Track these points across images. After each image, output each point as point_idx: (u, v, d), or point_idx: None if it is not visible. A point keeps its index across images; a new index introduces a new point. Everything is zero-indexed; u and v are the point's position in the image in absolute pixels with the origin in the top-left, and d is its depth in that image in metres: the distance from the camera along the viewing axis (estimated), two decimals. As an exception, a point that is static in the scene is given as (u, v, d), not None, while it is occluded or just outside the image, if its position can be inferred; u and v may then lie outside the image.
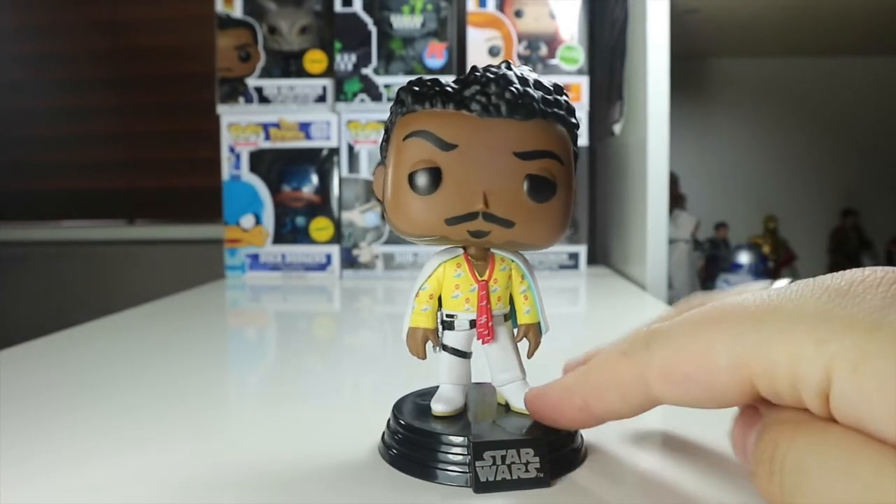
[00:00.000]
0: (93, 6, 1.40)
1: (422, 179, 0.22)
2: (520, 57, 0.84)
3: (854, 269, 0.18)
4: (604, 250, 1.03)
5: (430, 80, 0.23)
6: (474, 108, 0.23)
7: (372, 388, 0.39)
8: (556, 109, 0.23)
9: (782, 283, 0.23)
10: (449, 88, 0.23)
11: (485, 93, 0.22)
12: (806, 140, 1.14)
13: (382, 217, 0.84)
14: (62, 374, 0.40)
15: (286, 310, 0.70)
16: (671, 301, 0.76)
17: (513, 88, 0.22)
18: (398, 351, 0.50)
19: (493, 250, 0.25)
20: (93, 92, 1.42)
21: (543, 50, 0.85)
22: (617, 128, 0.86)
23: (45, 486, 0.23)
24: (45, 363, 0.43)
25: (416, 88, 0.23)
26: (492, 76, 0.23)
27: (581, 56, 0.85)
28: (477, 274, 0.24)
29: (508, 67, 0.23)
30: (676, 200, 1.02)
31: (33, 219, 1.46)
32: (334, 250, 0.86)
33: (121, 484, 0.23)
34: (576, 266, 0.87)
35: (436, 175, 0.22)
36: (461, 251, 0.25)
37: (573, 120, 0.24)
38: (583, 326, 0.60)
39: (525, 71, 0.24)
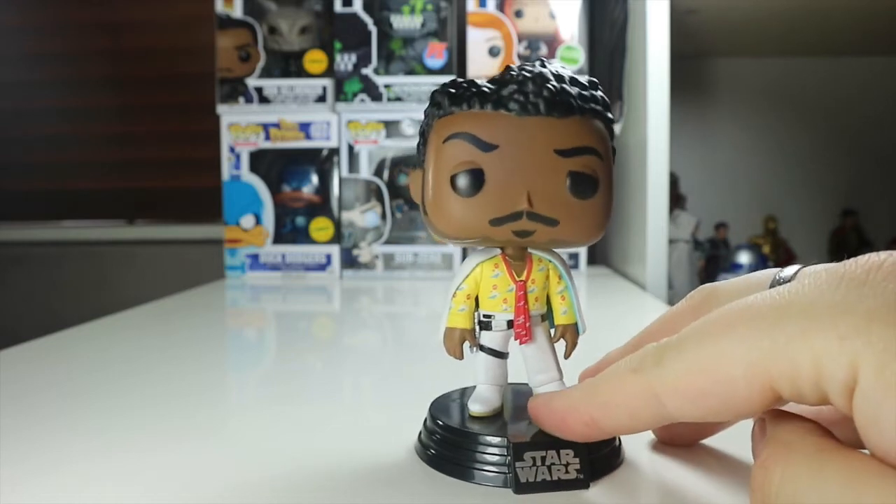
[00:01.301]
0: (93, 6, 1.40)
1: (464, 181, 0.22)
2: (520, 57, 0.84)
3: (868, 255, 0.17)
4: (604, 250, 1.03)
5: (465, 82, 0.23)
6: (512, 108, 0.22)
7: (372, 387, 0.39)
8: (593, 105, 0.23)
9: (790, 270, 0.22)
10: (486, 89, 0.23)
11: (522, 91, 0.22)
12: (806, 140, 1.14)
13: (382, 217, 0.84)
14: (62, 374, 0.40)
15: (286, 310, 0.70)
16: (671, 301, 0.76)
17: (550, 86, 0.22)
18: (398, 350, 0.50)
19: (530, 250, 0.24)
20: (93, 92, 1.42)
21: (543, 50, 0.85)
22: (617, 128, 0.86)
23: (45, 485, 0.23)
24: (44, 363, 0.43)
25: (452, 90, 0.23)
26: (528, 75, 0.23)
27: (581, 56, 0.85)
28: (515, 274, 0.24)
29: (543, 65, 0.23)
30: (676, 200, 1.02)
31: (33, 219, 1.46)
32: (334, 250, 0.86)
33: (121, 483, 0.23)
34: (576, 266, 0.87)
35: (478, 176, 0.22)
36: (498, 251, 0.24)
37: (609, 115, 0.24)
38: (583, 326, 0.60)
39: (560, 68, 0.23)
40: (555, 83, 0.22)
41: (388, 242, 0.85)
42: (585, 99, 0.23)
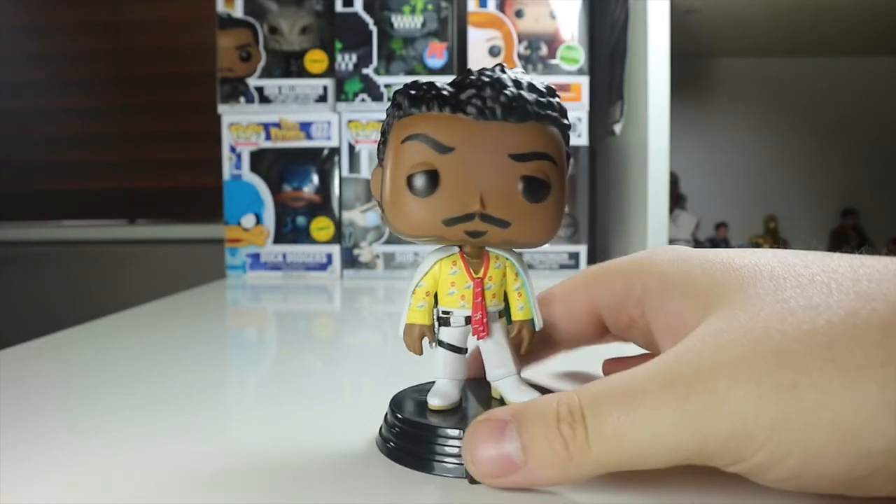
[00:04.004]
0: (93, 6, 1.40)
1: (420, 182, 0.23)
2: (520, 57, 0.84)
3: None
4: (604, 250, 1.03)
5: (426, 84, 0.24)
6: (470, 112, 0.23)
7: (372, 386, 0.39)
8: (549, 112, 0.24)
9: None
10: (445, 92, 0.23)
11: (480, 96, 0.23)
12: (806, 140, 1.14)
13: (379, 216, 0.84)
14: (62, 374, 0.40)
15: (287, 309, 0.70)
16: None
17: (507, 92, 0.23)
18: (398, 350, 0.50)
19: (487, 248, 0.25)
20: (93, 92, 1.42)
21: (544, 50, 0.85)
22: (617, 128, 0.86)
23: (45, 485, 0.23)
24: (44, 363, 0.43)
25: (413, 92, 0.24)
26: (487, 80, 0.23)
27: (581, 56, 0.85)
28: (472, 271, 0.25)
29: (503, 70, 0.24)
30: (676, 200, 1.02)
31: (33, 219, 1.47)
32: (335, 250, 0.86)
33: (120, 484, 0.23)
34: (576, 266, 0.87)
35: (433, 177, 0.23)
36: (457, 249, 0.25)
37: (565, 121, 0.24)
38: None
39: (519, 74, 0.24)
40: (512, 89, 0.23)
41: (388, 242, 0.85)
42: (542, 105, 0.23)
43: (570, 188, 0.27)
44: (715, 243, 1.04)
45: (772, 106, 1.14)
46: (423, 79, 0.24)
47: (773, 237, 1.08)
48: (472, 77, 0.23)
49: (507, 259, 0.25)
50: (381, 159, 0.25)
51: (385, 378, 0.40)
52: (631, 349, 0.31)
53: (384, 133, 0.25)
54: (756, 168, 1.15)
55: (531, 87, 0.24)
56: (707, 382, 0.18)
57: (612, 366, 0.32)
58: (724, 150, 1.15)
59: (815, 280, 0.20)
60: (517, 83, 0.23)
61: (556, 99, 0.24)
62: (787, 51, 1.10)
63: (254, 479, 0.23)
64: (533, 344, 0.26)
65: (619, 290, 0.26)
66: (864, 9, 0.87)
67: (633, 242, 0.82)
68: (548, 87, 0.24)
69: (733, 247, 1.02)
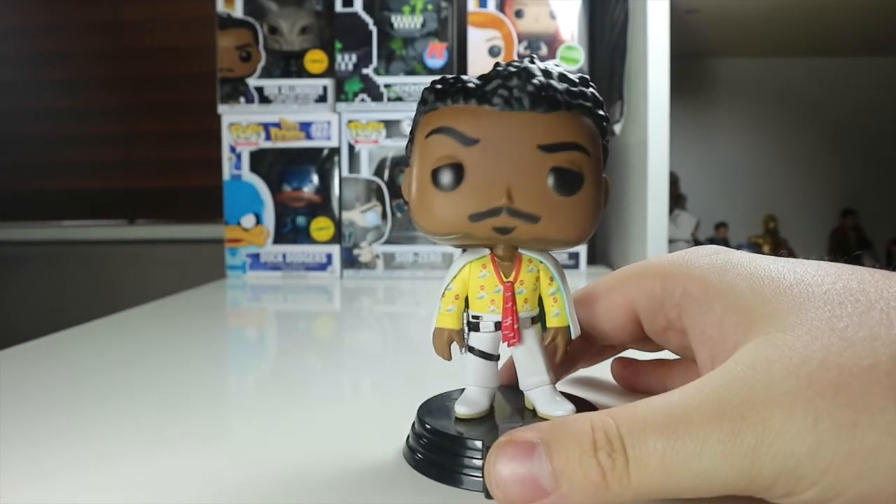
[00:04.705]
0: (93, 6, 1.40)
1: (444, 175, 0.22)
2: (520, 57, 0.84)
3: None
4: (604, 250, 1.03)
5: (452, 78, 0.23)
6: (496, 102, 0.22)
7: (373, 388, 0.39)
8: (581, 101, 0.23)
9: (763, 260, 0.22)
10: (470, 84, 0.22)
11: (506, 86, 0.22)
12: (806, 140, 1.14)
13: (383, 217, 0.84)
14: (62, 374, 0.40)
15: (287, 310, 0.70)
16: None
17: (535, 81, 0.22)
18: (399, 350, 0.50)
19: (521, 251, 0.24)
20: (93, 92, 1.42)
21: (544, 50, 0.85)
22: (617, 128, 0.86)
23: (45, 485, 0.23)
24: (45, 363, 0.43)
25: (439, 86, 0.23)
26: (514, 70, 0.22)
27: (581, 56, 0.85)
28: (502, 275, 0.24)
29: (532, 61, 0.23)
30: (676, 200, 1.02)
31: (33, 219, 1.47)
32: (335, 250, 0.86)
33: (120, 485, 0.23)
34: (576, 266, 0.87)
35: (458, 171, 0.22)
36: (487, 252, 0.24)
37: (601, 112, 0.23)
38: (583, 326, 0.60)
39: (550, 64, 0.23)
40: (541, 78, 0.22)
41: (388, 242, 0.85)
42: (573, 94, 0.22)
43: (609, 185, 0.25)
44: (715, 243, 1.03)
45: (772, 106, 1.14)
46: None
47: (773, 237, 1.08)
48: (500, 69, 0.23)
49: (540, 262, 0.24)
50: (408, 158, 0.24)
51: (388, 379, 0.40)
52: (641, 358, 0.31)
53: (412, 132, 0.24)
54: (756, 168, 1.15)
55: (562, 77, 0.23)
56: (760, 415, 0.17)
57: (622, 366, 0.31)
58: (724, 150, 1.15)
59: (874, 307, 0.18)
60: (546, 73, 0.22)
61: (591, 89, 0.23)
62: (787, 51, 1.10)
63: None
64: (568, 352, 0.25)
65: (658, 291, 0.25)
66: (864, 9, 0.87)
67: (633, 242, 0.82)
68: (581, 78, 0.23)
69: (732, 246, 1.02)
